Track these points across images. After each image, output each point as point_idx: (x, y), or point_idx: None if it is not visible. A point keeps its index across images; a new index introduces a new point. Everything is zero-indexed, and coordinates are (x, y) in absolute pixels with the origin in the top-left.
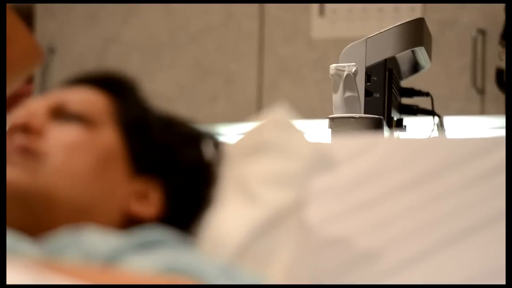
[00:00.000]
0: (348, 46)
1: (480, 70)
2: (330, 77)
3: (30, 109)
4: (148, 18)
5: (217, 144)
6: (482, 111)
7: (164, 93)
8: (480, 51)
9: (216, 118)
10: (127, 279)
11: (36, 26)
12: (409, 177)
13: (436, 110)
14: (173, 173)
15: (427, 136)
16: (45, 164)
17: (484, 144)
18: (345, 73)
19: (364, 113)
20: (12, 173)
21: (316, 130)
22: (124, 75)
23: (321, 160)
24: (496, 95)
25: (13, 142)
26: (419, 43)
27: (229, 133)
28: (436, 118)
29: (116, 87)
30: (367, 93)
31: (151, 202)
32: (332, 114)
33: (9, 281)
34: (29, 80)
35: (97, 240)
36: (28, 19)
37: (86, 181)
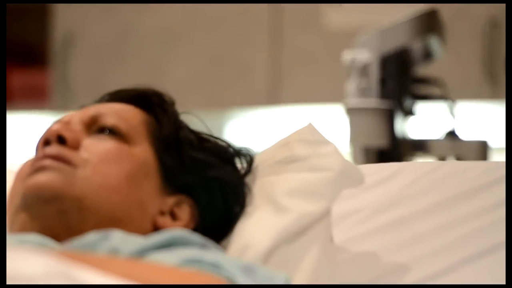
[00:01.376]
0: (362, 35)
1: (492, 58)
2: (344, 65)
3: (66, 122)
4: (164, 7)
5: (249, 161)
6: (493, 98)
7: (180, 80)
8: (491, 39)
9: (230, 104)
10: (149, 269)
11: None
12: (433, 201)
13: (448, 96)
14: (203, 193)
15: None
16: (80, 173)
17: (503, 169)
18: (359, 61)
19: (378, 100)
20: (47, 176)
21: (329, 115)
22: (161, 93)
23: (350, 175)
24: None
25: (47, 151)
26: (431, 32)
27: (242, 118)
28: (449, 104)
29: (152, 104)
30: (381, 80)
31: (180, 219)
32: (346, 100)
33: (29, 267)
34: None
35: (123, 239)
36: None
37: (118, 192)
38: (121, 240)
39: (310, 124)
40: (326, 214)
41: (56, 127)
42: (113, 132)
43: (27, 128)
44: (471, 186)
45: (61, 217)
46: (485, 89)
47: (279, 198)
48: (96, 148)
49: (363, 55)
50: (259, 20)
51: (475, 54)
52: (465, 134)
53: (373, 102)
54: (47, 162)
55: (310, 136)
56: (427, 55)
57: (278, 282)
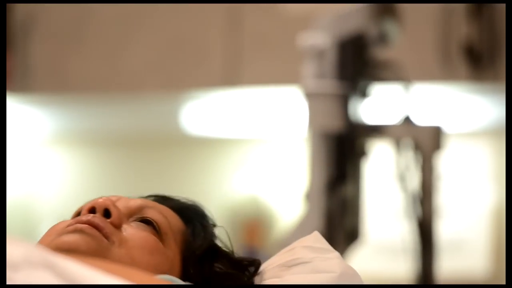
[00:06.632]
0: (320, 18)
1: (446, 41)
2: (301, 48)
3: (114, 200)
4: None
5: (256, 266)
6: (447, 79)
7: (138, 63)
8: (446, 22)
9: (187, 86)
10: (129, 270)
11: None
12: None
13: (404, 78)
14: None
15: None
16: (114, 250)
17: None
18: (316, 45)
19: (335, 83)
20: (83, 239)
21: (286, 97)
22: (204, 212)
23: (351, 279)
24: (461, 63)
25: (91, 218)
26: (387, 16)
27: (200, 100)
28: (405, 85)
29: (193, 220)
30: (337, 64)
31: None
32: (303, 84)
33: (10, 252)
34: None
35: None
36: None
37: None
38: None
39: (316, 233)
40: None
41: (104, 200)
42: (153, 227)
43: None
44: None
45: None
46: (439, 71)
47: None
48: (135, 233)
49: (319, 38)
50: (217, 3)
51: (430, 37)
52: (420, 117)
53: (330, 85)
54: (88, 227)
55: (315, 244)
56: (383, 39)
57: None
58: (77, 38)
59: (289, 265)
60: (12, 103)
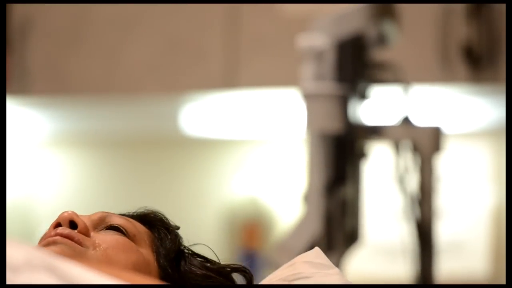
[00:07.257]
0: (318, 20)
1: (446, 42)
2: (299, 50)
3: (76, 215)
4: None
5: (248, 278)
6: (447, 79)
7: (137, 65)
8: (445, 23)
9: (186, 88)
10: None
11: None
12: None
13: (403, 80)
14: None
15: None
16: (90, 253)
17: None
18: (315, 46)
19: (334, 83)
20: (58, 249)
21: (286, 99)
22: (165, 217)
23: None
24: (461, 65)
25: (59, 230)
26: (386, 17)
27: (198, 102)
28: (404, 87)
29: (155, 224)
30: (336, 65)
31: None
32: (302, 85)
33: (12, 255)
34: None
35: None
36: None
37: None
38: None
39: (316, 249)
40: None
41: (68, 214)
42: (120, 231)
43: None
44: None
45: None
46: (438, 72)
47: None
48: (105, 237)
49: (318, 40)
50: (215, 4)
51: (429, 38)
52: (419, 118)
53: (329, 87)
54: (58, 238)
55: (316, 259)
56: (382, 40)
57: None
58: (75, 39)
59: (289, 280)
60: (10, 105)
